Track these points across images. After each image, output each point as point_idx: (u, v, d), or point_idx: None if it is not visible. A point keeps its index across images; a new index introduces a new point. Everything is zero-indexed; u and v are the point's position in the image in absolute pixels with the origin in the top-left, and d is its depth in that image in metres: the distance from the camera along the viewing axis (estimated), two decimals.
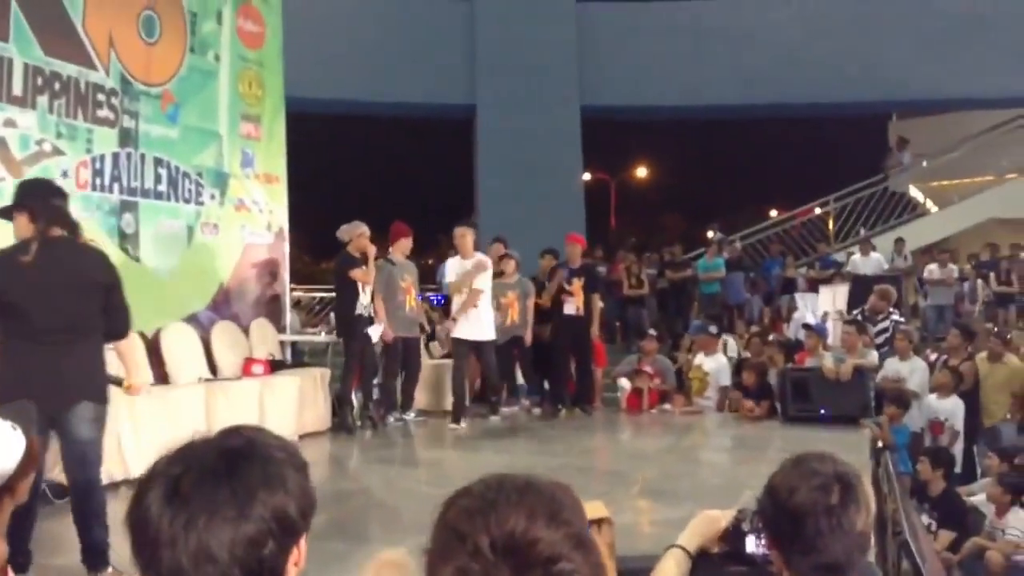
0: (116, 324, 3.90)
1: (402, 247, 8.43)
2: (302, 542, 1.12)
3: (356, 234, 7.99)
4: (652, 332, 10.38)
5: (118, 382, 4.17)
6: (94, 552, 3.70)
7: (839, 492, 1.65)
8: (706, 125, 24.36)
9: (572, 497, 0.99)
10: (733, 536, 2.01)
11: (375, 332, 8.03)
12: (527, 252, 10.07)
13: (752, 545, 1.98)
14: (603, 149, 22.27)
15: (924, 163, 17.08)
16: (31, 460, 2.17)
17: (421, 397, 8.81)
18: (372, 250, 8.00)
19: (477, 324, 8.22)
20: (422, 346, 9.05)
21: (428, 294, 9.89)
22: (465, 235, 8.44)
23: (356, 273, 7.85)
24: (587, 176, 20.66)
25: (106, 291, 3.79)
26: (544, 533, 0.91)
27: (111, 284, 3.82)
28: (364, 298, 7.95)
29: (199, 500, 1.04)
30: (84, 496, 3.77)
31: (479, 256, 8.51)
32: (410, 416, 8.37)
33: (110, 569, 3.69)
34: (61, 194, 3.93)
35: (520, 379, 9.51)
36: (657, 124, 22.97)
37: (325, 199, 22.85)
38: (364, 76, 15.81)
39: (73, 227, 3.87)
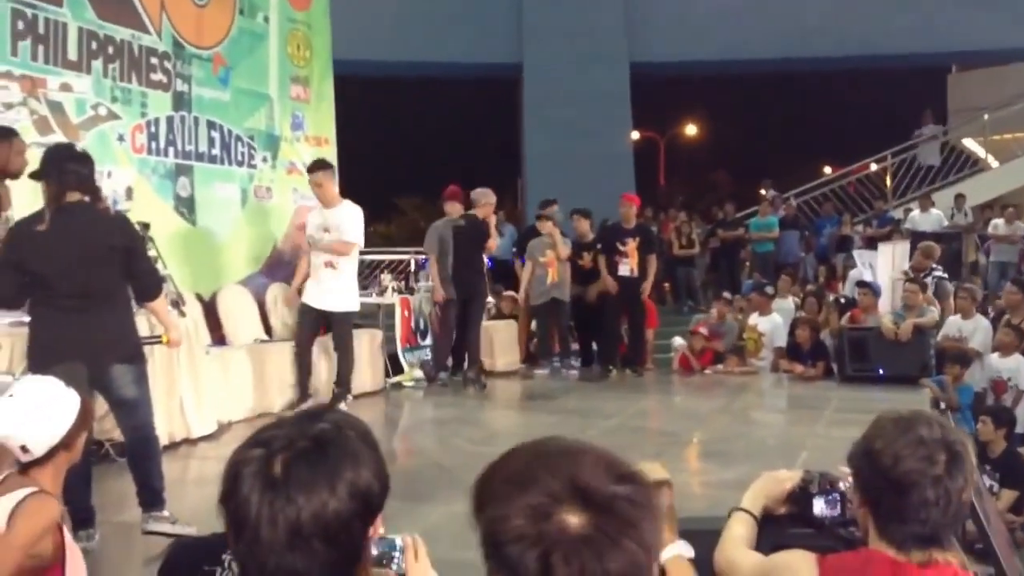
0: (143, 288, 3.91)
1: (451, 209, 8.38)
2: (378, 518, 1.18)
3: (485, 201, 8.34)
4: (726, 295, 10.26)
5: (156, 340, 4.21)
6: (150, 493, 3.80)
7: (946, 462, 1.58)
8: (757, 80, 23.85)
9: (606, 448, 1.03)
10: (800, 498, 1.98)
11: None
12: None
13: (820, 507, 1.95)
14: (652, 107, 21.91)
15: (985, 116, 16.51)
16: (86, 417, 2.30)
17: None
18: (493, 219, 8.47)
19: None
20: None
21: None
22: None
23: (492, 241, 8.33)
24: (635, 135, 20.39)
25: (124, 255, 3.77)
26: (601, 469, 0.96)
27: (128, 248, 3.80)
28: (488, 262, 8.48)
29: (292, 481, 1.09)
30: (139, 447, 3.87)
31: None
32: (473, 376, 8.19)
33: (166, 512, 3.77)
34: (79, 158, 3.86)
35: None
36: (707, 80, 22.56)
37: (371, 161, 22.92)
38: (409, 37, 15.72)
39: (93, 192, 3.88)
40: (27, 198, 4.92)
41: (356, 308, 7.14)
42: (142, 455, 3.86)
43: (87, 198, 3.79)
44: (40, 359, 3.69)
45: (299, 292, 7.05)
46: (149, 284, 3.94)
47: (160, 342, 4.25)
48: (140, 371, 3.89)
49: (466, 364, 8.33)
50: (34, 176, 3.90)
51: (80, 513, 3.66)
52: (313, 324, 6.87)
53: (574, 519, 0.91)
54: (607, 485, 0.95)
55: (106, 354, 3.70)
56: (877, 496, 1.62)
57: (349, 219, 6.84)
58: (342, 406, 6.29)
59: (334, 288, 6.77)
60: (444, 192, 8.51)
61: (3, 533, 2.07)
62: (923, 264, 9.58)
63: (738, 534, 1.88)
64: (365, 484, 1.14)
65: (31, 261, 3.71)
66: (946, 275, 9.74)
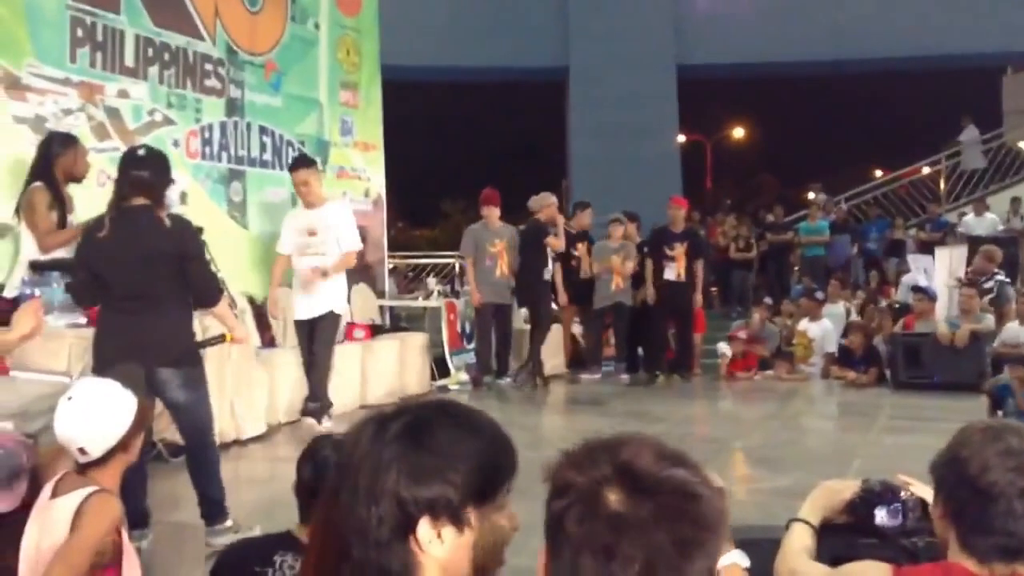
0: (201, 294, 3.94)
1: (487, 213, 8.34)
2: (445, 528, 1.08)
3: (545, 204, 8.48)
4: (768, 300, 10.15)
5: (219, 339, 4.25)
6: (209, 505, 3.82)
7: None
8: (804, 82, 23.57)
9: (684, 451, 1.03)
10: (861, 508, 1.94)
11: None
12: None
13: (882, 517, 1.91)
14: (698, 110, 21.79)
15: None
16: (143, 419, 2.31)
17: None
18: (560, 219, 8.61)
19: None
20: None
21: None
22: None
23: (550, 240, 8.36)
24: (682, 138, 20.26)
25: (178, 261, 3.79)
26: (658, 455, 0.97)
27: (184, 254, 3.81)
28: (551, 265, 8.48)
29: (391, 447, 1.07)
30: (195, 454, 3.90)
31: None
32: (504, 381, 8.32)
33: (229, 522, 3.81)
34: (143, 162, 3.89)
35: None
36: (754, 82, 22.35)
37: (419, 165, 23.07)
38: (456, 42, 15.82)
39: (155, 196, 3.88)
40: (88, 203, 5.07)
41: (344, 311, 6.56)
42: (196, 462, 3.88)
43: (148, 202, 3.84)
44: (98, 360, 3.80)
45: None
46: (206, 290, 3.96)
47: (224, 341, 4.30)
48: (190, 376, 3.88)
49: (512, 365, 8.43)
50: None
51: (135, 514, 3.73)
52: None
53: (614, 496, 0.93)
54: (655, 469, 0.95)
55: (153, 357, 3.74)
56: (962, 506, 1.58)
57: (343, 222, 6.20)
58: (324, 425, 5.84)
59: (323, 289, 6.15)
60: (481, 196, 8.53)
61: (72, 534, 2.08)
62: (986, 268, 9.36)
63: (799, 545, 1.84)
64: (441, 493, 1.06)
65: (92, 264, 3.82)
66: (1008, 280, 9.51)
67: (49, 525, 2.13)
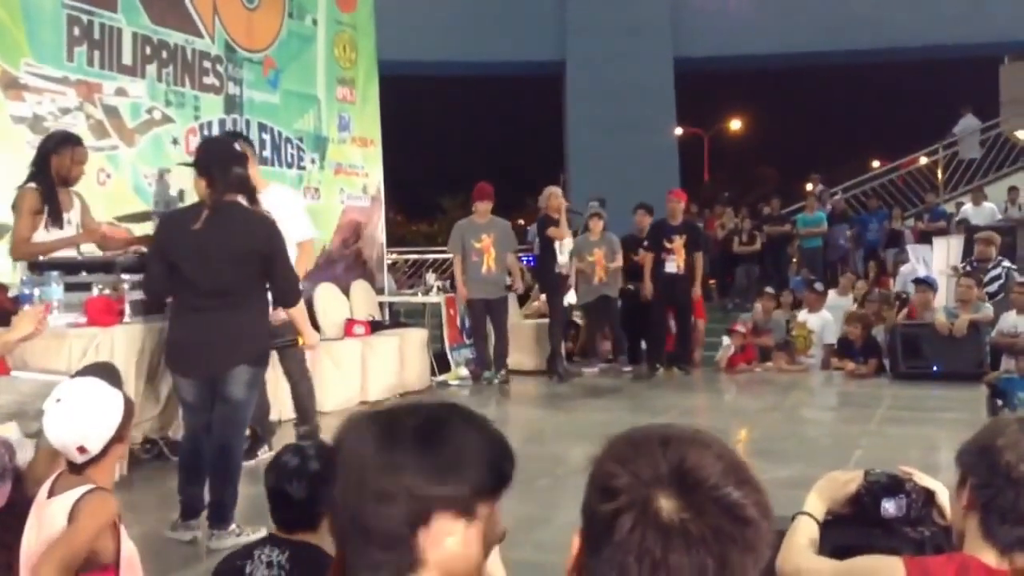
0: (282, 293, 3.94)
1: (476, 210, 8.24)
2: (457, 523, 1.10)
3: (547, 196, 8.54)
4: (769, 290, 10.13)
5: (292, 342, 4.30)
6: (221, 508, 3.79)
7: None
8: (802, 74, 23.55)
9: (744, 460, 1.00)
10: (867, 498, 1.94)
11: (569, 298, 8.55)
12: (620, 209, 9.95)
13: (889, 508, 1.91)
14: (696, 103, 21.78)
15: None
16: (130, 410, 2.33)
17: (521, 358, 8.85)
18: (563, 207, 8.60)
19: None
20: (513, 305, 8.97)
21: (520, 254, 9.79)
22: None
23: (552, 230, 8.37)
24: (679, 131, 20.26)
25: (265, 260, 3.79)
26: (713, 462, 0.94)
27: (270, 254, 3.80)
28: (561, 257, 8.44)
29: (404, 447, 1.08)
30: (221, 455, 3.84)
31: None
32: (503, 375, 8.21)
33: (232, 526, 3.78)
34: (241, 159, 3.94)
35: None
36: (751, 74, 22.33)
37: (416, 160, 23.05)
38: (453, 37, 15.80)
39: (251, 192, 3.95)
40: (88, 201, 5.06)
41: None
42: (222, 470, 3.83)
43: (242, 198, 3.85)
44: (172, 353, 3.91)
45: None
46: (288, 290, 3.95)
47: (295, 345, 4.39)
48: (256, 374, 3.89)
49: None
50: (195, 168, 3.96)
51: (194, 504, 3.83)
52: None
53: (667, 503, 0.90)
54: (715, 484, 0.92)
55: (229, 354, 3.75)
56: (992, 495, 1.57)
57: (290, 208, 5.23)
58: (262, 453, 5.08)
59: None
60: (474, 191, 8.39)
61: (65, 530, 2.09)
62: (987, 253, 9.32)
63: (804, 541, 1.83)
64: (454, 493, 1.07)
65: (175, 254, 3.79)
66: (1015, 266, 9.48)
67: (45, 524, 2.14)
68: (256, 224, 3.84)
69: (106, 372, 2.44)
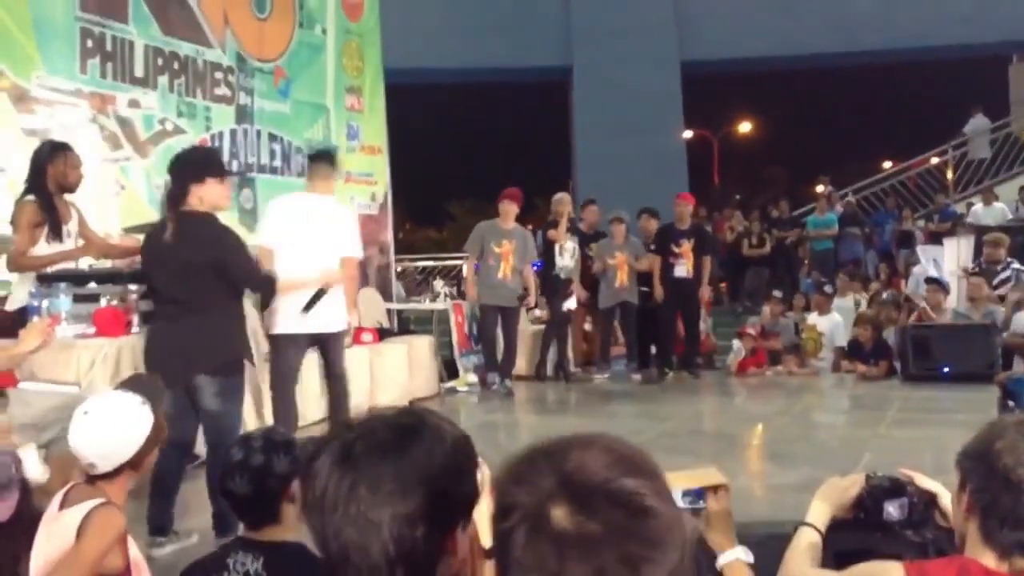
0: (253, 288, 3.97)
1: (502, 211, 8.10)
2: (459, 532, 1.12)
3: (556, 201, 8.68)
4: (777, 293, 10.12)
5: (320, 293, 4.35)
6: (220, 520, 3.80)
7: None
8: (810, 75, 23.49)
9: (640, 450, 0.97)
10: (868, 503, 1.95)
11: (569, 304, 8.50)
12: (629, 214, 9.93)
13: (891, 511, 1.92)
14: (704, 105, 21.78)
15: None
16: (156, 436, 2.28)
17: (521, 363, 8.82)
18: (564, 212, 8.65)
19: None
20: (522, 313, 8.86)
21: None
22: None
23: (551, 233, 8.43)
24: (688, 134, 20.24)
25: (219, 266, 3.77)
26: (600, 458, 0.92)
27: (220, 259, 3.77)
28: (560, 260, 8.46)
29: (365, 468, 1.08)
30: (210, 465, 3.87)
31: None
32: (508, 384, 8.08)
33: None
34: (200, 165, 3.90)
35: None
36: (759, 77, 22.28)
37: (424, 167, 23.10)
38: (459, 44, 15.82)
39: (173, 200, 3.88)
40: (103, 213, 5.11)
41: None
42: (210, 475, 3.83)
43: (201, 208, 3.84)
44: (145, 364, 3.90)
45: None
46: (254, 284, 3.98)
47: (324, 294, 4.51)
48: (225, 386, 3.84)
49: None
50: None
51: (158, 520, 3.76)
52: None
53: (559, 512, 0.88)
54: (603, 480, 0.89)
55: (191, 364, 3.74)
56: (991, 499, 1.56)
57: (345, 223, 5.33)
58: None
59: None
60: (502, 192, 8.17)
61: (72, 547, 2.09)
62: (996, 256, 9.28)
63: (804, 551, 1.83)
64: (441, 484, 1.09)
65: (150, 267, 3.91)
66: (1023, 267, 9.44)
67: (55, 537, 2.14)
68: (208, 230, 3.81)
69: (147, 388, 2.41)
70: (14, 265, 4.79)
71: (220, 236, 3.82)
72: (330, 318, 4.90)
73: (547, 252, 8.60)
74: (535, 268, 8.74)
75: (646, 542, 0.86)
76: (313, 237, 4.85)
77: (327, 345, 5.05)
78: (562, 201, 8.76)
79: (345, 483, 1.07)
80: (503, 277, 7.93)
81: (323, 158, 5.19)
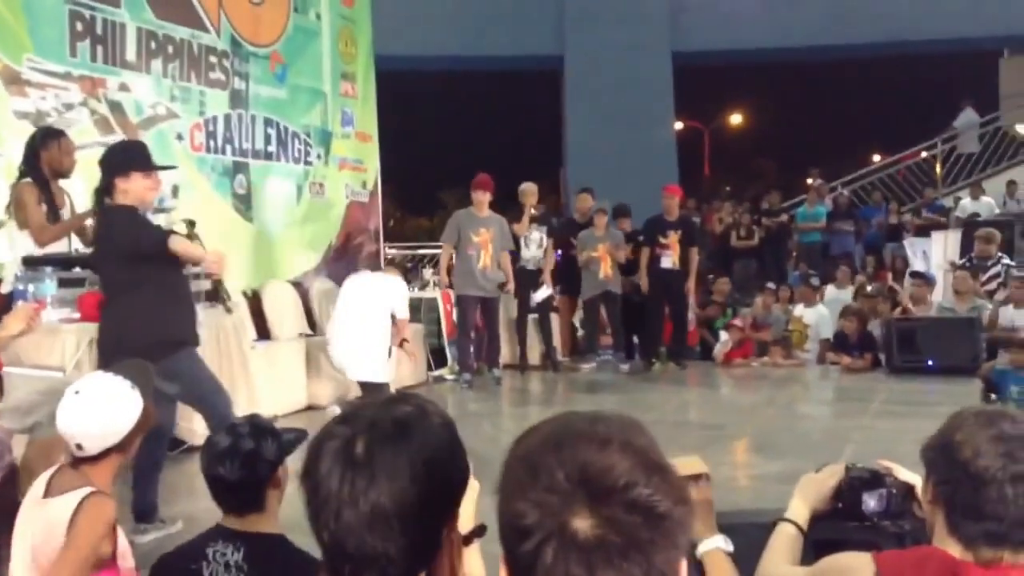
0: (151, 251, 3.76)
1: (476, 200, 7.98)
2: (456, 516, 1.16)
3: (521, 193, 8.57)
4: (770, 285, 10.14)
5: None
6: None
7: None
8: (802, 67, 23.52)
9: (642, 428, 0.97)
10: (848, 494, 1.97)
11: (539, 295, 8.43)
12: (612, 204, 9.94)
13: (870, 503, 1.95)
14: (696, 97, 21.78)
15: None
16: (145, 421, 2.27)
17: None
18: (528, 204, 8.55)
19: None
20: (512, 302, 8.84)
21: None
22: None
23: (514, 226, 8.28)
24: (679, 125, 20.25)
25: (134, 248, 3.74)
26: (616, 460, 0.90)
27: (132, 241, 3.74)
28: (526, 252, 8.43)
29: (376, 463, 1.09)
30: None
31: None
32: (496, 373, 8.10)
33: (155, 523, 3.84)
34: (125, 159, 3.89)
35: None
36: (751, 68, 22.30)
37: (414, 155, 23.05)
38: (453, 31, 15.80)
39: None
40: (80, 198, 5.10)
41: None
42: None
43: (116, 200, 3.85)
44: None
45: None
46: (153, 244, 3.76)
47: (212, 277, 4.46)
48: (169, 367, 3.67)
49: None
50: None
51: (142, 506, 3.80)
52: None
53: (581, 523, 0.87)
54: (624, 485, 0.88)
55: (129, 350, 3.54)
56: (953, 490, 1.58)
57: (400, 291, 6.63)
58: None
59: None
60: (474, 180, 8.07)
61: (68, 541, 2.07)
62: (987, 251, 9.31)
63: (780, 549, 1.84)
64: (445, 470, 1.13)
65: (91, 261, 4.05)
66: (1014, 263, 9.49)
67: (45, 525, 2.12)
68: (122, 222, 3.80)
69: (138, 373, 2.40)
70: (39, 240, 4.80)
71: (131, 222, 3.80)
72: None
73: (516, 243, 8.47)
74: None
75: (665, 545, 0.89)
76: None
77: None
78: (525, 192, 8.64)
79: (357, 480, 1.08)
80: (483, 266, 7.85)
81: None
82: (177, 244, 3.81)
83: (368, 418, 1.14)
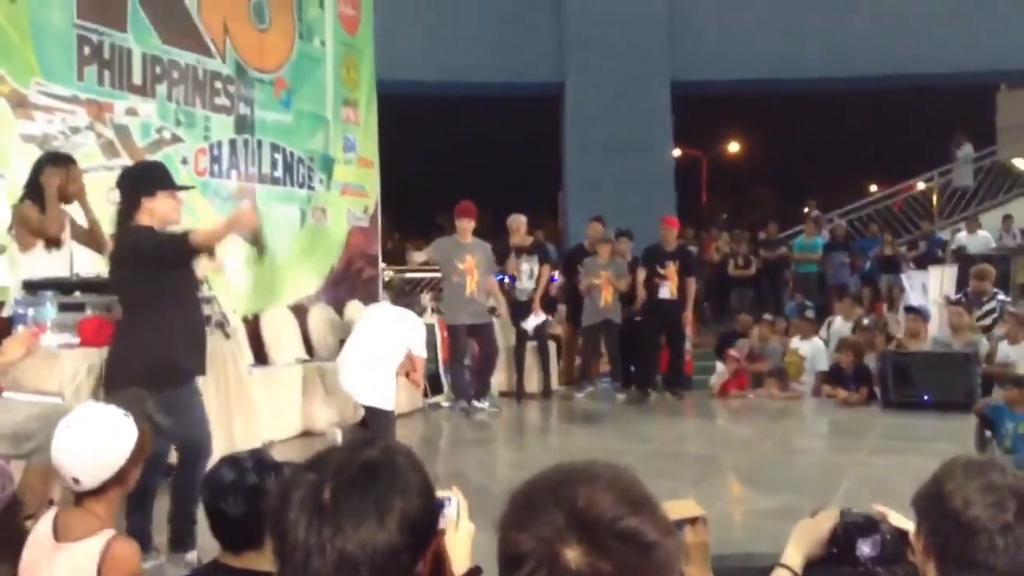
0: (173, 261, 3.75)
1: (459, 228, 8.02)
2: (428, 554, 1.18)
3: (510, 225, 8.71)
4: (768, 317, 10.17)
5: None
6: (187, 532, 3.85)
7: (1015, 508, 1.57)
8: (801, 98, 23.68)
9: (629, 471, 1.02)
10: (843, 539, 1.99)
11: (529, 324, 8.48)
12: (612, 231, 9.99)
13: (865, 549, 1.96)
14: (695, 125, 21.92)
15: None
16: (141, 450, 2.22)
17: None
18: (517, 237, 8.72)
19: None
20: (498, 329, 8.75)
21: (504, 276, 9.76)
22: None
23: (503, 267, 8.48)
24: (678, 152, 20.36)
25: (136, 259, 3.70)
26: (603, 495, 0.95)
27: (134, 251, 3.71)
28: (519, 284, 8.58)
29: (343, 509, 1.09)
30: (188, 474, 3.81)
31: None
32: (485, 405, 7.98)
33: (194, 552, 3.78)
34: (152, 178, 3.90)
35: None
36: (751, 98, 22.44)
37: (414, 179, 23.13)
38: (453, 57, 15.87)
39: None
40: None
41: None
42: (189, 483, 3.78)
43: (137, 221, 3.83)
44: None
45: None
46: (178, 252, 3.73)
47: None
48: (168, 399, 3.56)
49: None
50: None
51: (137, 536, 3.75)
52: None
53: (572, 553, 0.92)
54: (612, 518, 0.93)
55: (132, 378, 3.54)
56: (944, 540, 1.60)
57: (416, 328, 6.32)
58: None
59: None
60: (456, 207, 8.10)
61: None
62: (982, 287, 9.29)
63: None
64: (414, 514, 1.13)
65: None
66: (1009, 299, 9.51)
67: (71, 572, 2.06)
68: (136, 239, 3.73)
69: (133, 401, 2.37)
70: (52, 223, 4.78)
71: (152, 236, 3.73)
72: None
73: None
74: (499, 280, 8.79)
75: (654, 573, 0.93)
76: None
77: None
78: (509, 227, 8.82)
79: (324, 527, 1.08)
80: (470, 293, 7.87)
81: None
82: (198, 235, 3.78)
83: (335, 463, 1.14)
